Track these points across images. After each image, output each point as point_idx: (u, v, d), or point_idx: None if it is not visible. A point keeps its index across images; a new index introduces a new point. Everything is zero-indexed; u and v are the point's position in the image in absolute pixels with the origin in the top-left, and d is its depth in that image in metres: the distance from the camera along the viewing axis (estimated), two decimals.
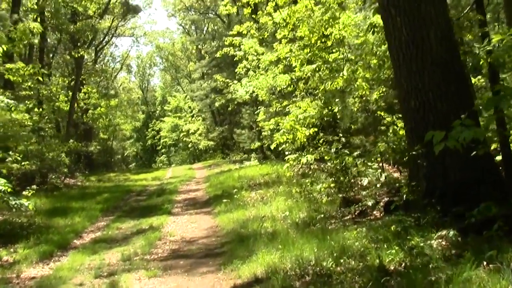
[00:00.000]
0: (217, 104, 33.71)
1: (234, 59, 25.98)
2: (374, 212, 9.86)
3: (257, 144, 22.65)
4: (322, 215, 10.00)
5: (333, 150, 10.10)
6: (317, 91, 15.19)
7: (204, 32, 52.07)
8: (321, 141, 15.35)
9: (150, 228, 11.94)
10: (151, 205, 16.25)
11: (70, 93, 31.35)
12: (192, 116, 52.36)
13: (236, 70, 23.66)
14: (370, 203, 9.57)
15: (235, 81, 22.03)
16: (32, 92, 20.76)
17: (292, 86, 19.57)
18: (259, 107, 24.77)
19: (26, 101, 20.06)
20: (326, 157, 11.41)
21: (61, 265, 8.82)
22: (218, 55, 26.32)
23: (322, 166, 16.17)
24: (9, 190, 10.47)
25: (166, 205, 15.51)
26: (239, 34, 21.06)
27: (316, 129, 14.45)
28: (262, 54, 20.27)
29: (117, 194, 19.93)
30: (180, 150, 58.17)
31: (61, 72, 38.71)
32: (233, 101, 32.11)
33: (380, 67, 10.54)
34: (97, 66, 44.77)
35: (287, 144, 14.47)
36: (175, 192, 19.66)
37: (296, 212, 10.91)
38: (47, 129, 22.40)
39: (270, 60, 19.72)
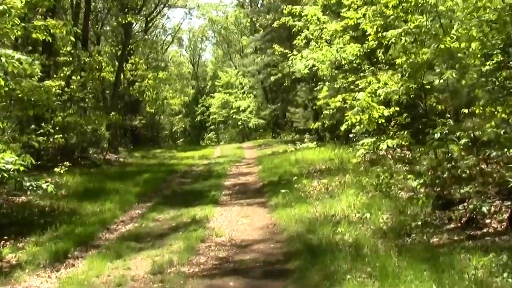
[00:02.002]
0: (272, 78, 31.21)
1: (292, 31, 23.74)
2: (489, 222, 7.27)
3: (317, 124, 20.20)
4: (413, 221, 7.52)
5: (436, 135, 7.53)
6: (400, 61, 12.42)
7: (259, 4, 49.43)
8: (404, 123, 12.87)
9: (192, 221, 9.73)
10: (195, 190, 14.08)
11: (117, 64, 29.53)
12: (243, 93, 50.39)
13: (294, 42, 21.20)
14: (485, 209, 6.93)
15: (295, 52, 19.45)
16: (70, 59, 18.85)
17: (361, 58, 17.10)
18: (319, 84, 22.32)
19: (64, 67, 18.21)
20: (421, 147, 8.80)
21: (73, 274, 6.67)
22: (275, 24, 24.03)
23: (394, 153, 13.83)
24: (21, 168, 8.43)
25: (213, 191, 13.27)
26: (298, 2, 18.57)
27: (397, 108, 11.83)
28: (325, 23, 17.77)
29: (160, 174, 17.85)
30: (229, 128, 56.09)
31: (110, 43, 37.06)
32: (289, 76, 29.78)
33: (506, 25, 7.79)
34: (146, 37, 43.08)
35: (361, 125, 11.88)
36: (223, 175, 17.41)
37: (376, 212, 8.47)
38: (87, 100, 20.50)
39: (336, 29, 17.31)
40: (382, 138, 11.07)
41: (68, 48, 19.53)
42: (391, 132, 11.92)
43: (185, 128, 60.36)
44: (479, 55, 8.83)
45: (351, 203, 9.54)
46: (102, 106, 25.47)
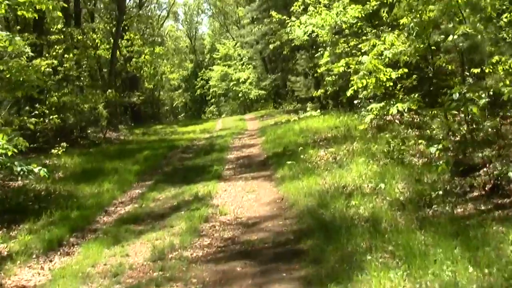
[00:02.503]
0: (271, 47, 30.32)
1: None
2: None
3: (320, 91, 19.50)
4: (432, 190, 6.95)
5: (454, 96, 6.89)
6: (406, 21, 11.69)
7: None
8: (410, 86, 12.27)
9: (195, 199, 9.20)
10: (197, 165, 13.52)
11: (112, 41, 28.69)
12: (242, 64, 49.52)
13: (291, 9, 20.44)
14: (511, 173, 6.34)
15: (293, 18, 18.68)
16: (62, 37, 18.07)
17: (362, 21, 16.42)
18: (319, 50, 21.62)
19: (56, 46, 17.48)
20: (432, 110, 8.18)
21: (67, 264, 6.18)
22: None
23: (402, 118, 13.26)
24: (9, 152, 7.89)
25: (215, 166, 12.70)
26: None
27: (406, 70, 11.19)
28: None
29: (160, 150, 17.25)
30: (230, 100, 55.21)
31: (104, 20, 36.13)
32: (288, 44, 28.95)
33: None
34: (141, 12, 42.12)
35: (368, 90, 11.26)
36: (226, 148, 16.83)
37: (390, 181, 7.92)
38: (82, 78, 19.78)
39: None
40: (392, 102, 10.44)
41: (59, 26, 18.73)
42: (399, 95, 11.32)
43: (186, 102, 59.68)
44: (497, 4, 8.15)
45: (362, 173, 8.98)
46: (99, 84, 24.71)
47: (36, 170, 8.27)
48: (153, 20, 48.39)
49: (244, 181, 10.85)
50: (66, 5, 17.32)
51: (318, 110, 21.56)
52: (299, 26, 18.13)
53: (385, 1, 12.62)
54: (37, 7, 11.07)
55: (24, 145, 9.31)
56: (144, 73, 33.18)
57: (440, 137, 8.90)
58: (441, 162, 7.32)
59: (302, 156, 11.48)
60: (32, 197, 9.85)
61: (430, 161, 8.68)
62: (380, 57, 10.87)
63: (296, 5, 19.74)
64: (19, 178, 10.44)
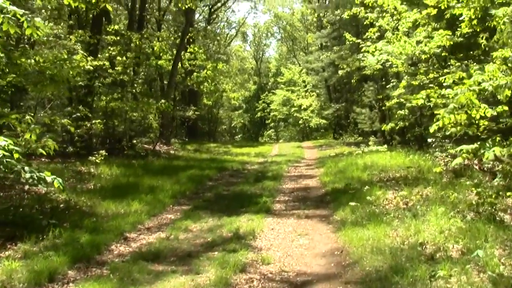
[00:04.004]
0: (340, 72, 28.66)
1: (360, 29, 21.36)
2: None
3: (390, 125, 17.54)
4: None
5: None
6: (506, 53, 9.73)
7: (327, 0, 47.02)
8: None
9: (234, 237, 7.47)
10: (245, 193, 11.80)
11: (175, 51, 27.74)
12: (306, 91, 48.33)
13: (365, 36, 18.80)
14: None
15: (369, 43, 16.95)
16: (117, 38, 16.98)
17: (448, 51, 14.74)
18: (392, 81, 19.88)
19: (109, 47, 16.36)
20: None
21: None
22: (345, 15, 21.86)
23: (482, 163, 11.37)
24: (16, 155, 6.52)
25: (265, 196, 10.96)
26: None
27: (506, 108, 9.19)
28: (403, 13, 15.52)
29: (207, 171, 15.67)
30: (290, 126, 53.94)
31: (170, 31, 35.58)
32: (357, 72, 27.25)
33: None
34: (209, 27, 41.52)
35: (457, 127, 9.30)
36: (279, 177, 15.03)
37: (482, 244, 6.01)
38: (135, 85, 18.59)
39: (416, 19, 14.95)
40: (487, 144, 8.45)
41: (116, 27, 17.69)
42: (496, 138, 9.28)
43: (244, 123, 58.73)
44: None
45: (444, 228, 7.02)
46: (152, 93, 23.59)
47: (49, 179, 6.88)
48: (221, 38, 47.95)
49: (296, 219, 9.05)
50: (128, 8, 16.38)
51: (385, 146, 19.54)
52: (373, 53, 16.45)
53: (486, 26, 10.66)
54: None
55: (53, 147, 8.05)
56: (204, 89, 32.05)
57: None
58: None
59: (367, 198, 9.55)
60: (48, 209, 8.42)
61: None
62: (475, 91, 8.91)
63: (371, 31, 18.09)
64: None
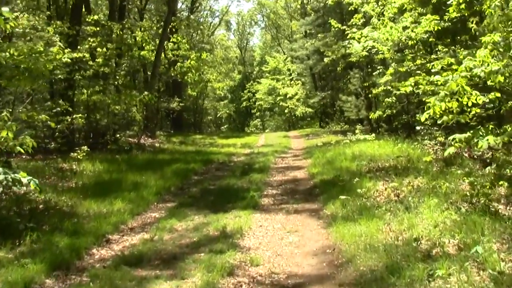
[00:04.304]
0: (326, 60, 28.32)
1: (344, 16, 21.14)
2: None
3: (378, 113, 17.33)
4: None
5: None
6: (497, 36, 9.48)
7: None
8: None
9: (220, 235, 7.18)
10: (231, 187, 11.50)
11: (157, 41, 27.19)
12: (291, 80, 47.88)
13: (350, 22, 18.63)
14: None
15: (354, 29, 16.66)
16: (97, 28, 16.47)
17: (434, 36, 14.59)
18: (378, 68, 19.64)
19: (89, 39, 15.87)
20: None
21: None
22: (330, 2, 21.66)
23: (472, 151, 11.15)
24: None
25: (252, 191, 10.65)
26: None
27: (498, 94, 8.93)
28: None
29: (193, 164, 15.32)
30: (275, 115, 53.59)
31: (153, 20, 34.99)
32: (342, 59, 26.91)
33: None
34: (192, 16, 40.90)
35: (449, 116, 9.03)
36: (266, 169, 14.74)
37: (479, 238, 5.81)
38: (117, 77, 18.12)
39: (402, 3, 14.75)
40: (481, 133, 8.21)
41: (96, 17, 17.16)
42: (489, 126, 9.06)
43: (230, 114, 58.23)
44: None
45: (438, 221, 6.78)
46: (135, 85, 23.09)
47: (24, 180, 6.53)
48: (204, 27, 47.34)
49: (285, 214, 8.78)
50: None
51: (373, 134, 19.33)
52: (358, 40, 16.16)
53: (474, 10, 10.44)
54: None
55: (31, 145, 7.65)
56: (188, 79, 31.56)
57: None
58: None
59: (359, 191, 9.29)
60: (26, 211, 8.04)
61: None
62: (467, 77, 8.66)
63: (356, 18, 17.86)
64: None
